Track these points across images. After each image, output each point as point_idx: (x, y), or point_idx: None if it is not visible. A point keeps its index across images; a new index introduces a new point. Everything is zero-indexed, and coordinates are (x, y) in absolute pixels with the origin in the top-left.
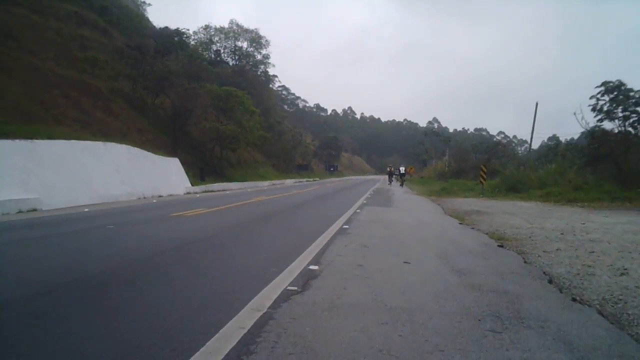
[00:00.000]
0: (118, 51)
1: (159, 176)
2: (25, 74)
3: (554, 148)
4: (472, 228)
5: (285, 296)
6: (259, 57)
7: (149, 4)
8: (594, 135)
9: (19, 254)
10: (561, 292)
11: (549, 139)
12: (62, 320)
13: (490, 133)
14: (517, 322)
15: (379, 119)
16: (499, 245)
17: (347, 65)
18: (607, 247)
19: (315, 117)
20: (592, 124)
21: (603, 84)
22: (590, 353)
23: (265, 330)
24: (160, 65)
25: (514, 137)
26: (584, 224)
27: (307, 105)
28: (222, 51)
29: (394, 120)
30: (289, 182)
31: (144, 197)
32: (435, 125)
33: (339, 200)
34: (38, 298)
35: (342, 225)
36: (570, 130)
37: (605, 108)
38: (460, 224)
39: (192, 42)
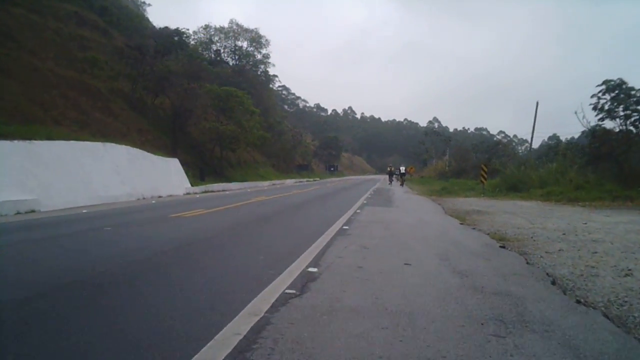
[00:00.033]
0: (118, 51)
1: (159, 177)
2: (25, 74)
3: (554, 147)
4: (473, 228)
5: (283, 300)
6: (259, 56)
7: (149, 4)
8: (595, 134)
9: (13, 257)
10: (565, 293)
11: (549, 138)
12: (52, 324)
13: (491, 132)
14: (521, 326)
15: (379, 118)
16: (500, 246)
17: (347, 65)
18: (610, 248)
19: (315, 117)
20: (593, 123)
21: (604, 82)
22: (597, 359)
23: (262, 336)
24: (160, 65)
25: (514, 136)
26: (585, 223)
27: (307, 105)
28: (222, 51)
29: (394, 120)
30: (289, 182)
31: (144, 198)
32: (436, 124)
33: (339, 201)
34: (32, 301)
35: (342, 226)
36: (571, 130)
37: (606, 107)
38: (461, 224)
39: (192, 42)
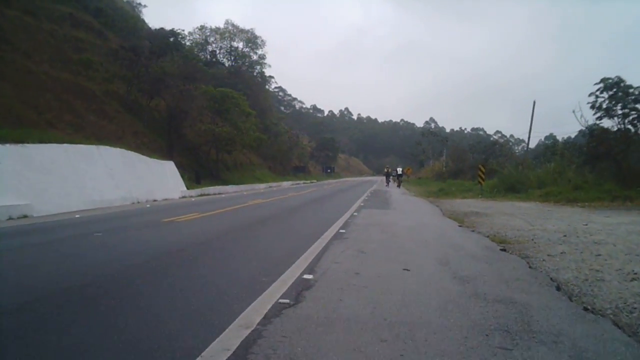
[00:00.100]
0: (113, 53)
1: (154, 180)
2: (18, 76)
3: (551, 147)
4: (473, 230)
5: (276, 310)
6: (254, 57)
7: (145, 6)
8: (593, 134)
9: None
10: (571, 300)
11: (546, 137)
12: (26, 338)
13: (487, 132)
14: (528, 336)
15: (375, 119)
16: (501, 249)
17: (344, 65)
18: (613, 250)
19: (311, 118)
20: (591, 122)
21: (602, 80)
22: None
23: (253, 351)
24: (155, 67)
25: (511, 136)
26: (586, 224)
27: (304, 106)
28: (217, 52)
29: (390, 120)
30: (285, 184)
31: (138, 202)
32: (432, 125)
33: (336, 203)
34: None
35: (339, 230)
36: (568, 129)
37: (604, 105)
38: (459, 226)
39: (188, 43)
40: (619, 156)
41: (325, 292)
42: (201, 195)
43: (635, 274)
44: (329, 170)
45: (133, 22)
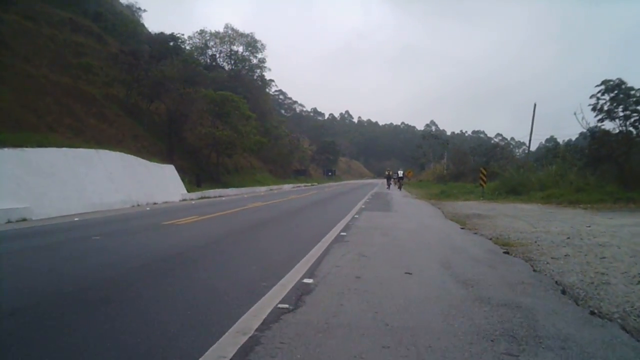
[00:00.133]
0: (112, 57)
1: (154, 183)
2: (18, 81)
3: (552, 149)
4: (475, 233)
5: (275, 316)
6: (254, 61)
7: (145, 10)
8: (594, 136)
9: None
10: (577, 304)
11: (547, 140)
12: (21, 342)
13: (488, 135)
14: (535, 342)
15: (376, 122)
16: (504, 252)
17: (344, 69)
18: (617, 252)
19: (312, 122)
20: (592, 124)
21: (603, 82)
22: None
23: (250, 358)
24: (155, 71)
25: (512, 139)
26: (589, 226)
27: (304, 109)
28: (217, 56)
29: (391, 123)
30: (286, 187)
31: (138, 205)
32: (433, 128)
33: (337, 206)
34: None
35: (340, 233)
36: (568, 132)
37: (605, 107)
38: (462, 228)
39: (187, 47)
40: (620, 158)
41: (326, 297)
42: (202, 198)
43: None
44: (329, 173)
45: (133, 26)
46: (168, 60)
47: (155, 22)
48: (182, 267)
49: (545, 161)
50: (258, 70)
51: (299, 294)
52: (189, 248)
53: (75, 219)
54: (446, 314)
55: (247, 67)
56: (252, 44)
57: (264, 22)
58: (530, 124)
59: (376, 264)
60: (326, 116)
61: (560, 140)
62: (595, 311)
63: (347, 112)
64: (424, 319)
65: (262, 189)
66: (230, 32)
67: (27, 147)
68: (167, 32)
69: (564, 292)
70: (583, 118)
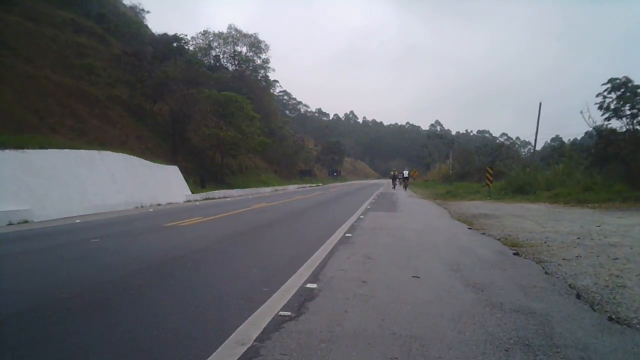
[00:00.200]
0: (115, 58)
1: (158, 184)
2: (19, 82)
3: (558, 149)
4: (483, 233)
5: (276, 324)
6: (258, 61)
7: (148, 12)
8: (601, 135)
9: None
10: (593, 309)
11: (552, 139)
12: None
13: (493, 135)
14: (552, 351)
15: (381, 122)
16: (514, 253)
17: (348, 69)
18: (630, 253)
19: (317, 122)
20: (599, 123)
21: (609, 81)
22: None
23: None
24: (158, 71)
25: (517, 138)
26: (599, 226)
27: (309, 110)
28: (221, 56)
29: (396, 123)
30: (291, 187)
31: (142, 206)
32: (438, 128)
33: (342, 206)
34: None
35: (345, 234)
36: (574, 131)
37: (612, 106)
38: (469, 229)
39: (191, 48)
40: (628, 157)
41: (330, 303)
42: (206, 199)
43: None
44: (335, 174)
45: (136, 27)
46: (171, 61)
47: (158, 23)
48: (181, 271)
49: (552, 160)
50: (262, 71)
51: (302, 300)
52: (189, 251)
53: (77, 221)
54: (457, 321)
55: (250, 68)
56: (256, 45)
57: (268, 23)
58: (536, 123)
59: (382, 266)
60: (331, 116)
61: (565, 140)
62: (613, 317)
63: (351, 112)
64: (434, 326)
65: (267, 190)
66: (233, 32)
67: (28, 148)
68: (171, 33)
69: (578, 296)
70: (590, 117)
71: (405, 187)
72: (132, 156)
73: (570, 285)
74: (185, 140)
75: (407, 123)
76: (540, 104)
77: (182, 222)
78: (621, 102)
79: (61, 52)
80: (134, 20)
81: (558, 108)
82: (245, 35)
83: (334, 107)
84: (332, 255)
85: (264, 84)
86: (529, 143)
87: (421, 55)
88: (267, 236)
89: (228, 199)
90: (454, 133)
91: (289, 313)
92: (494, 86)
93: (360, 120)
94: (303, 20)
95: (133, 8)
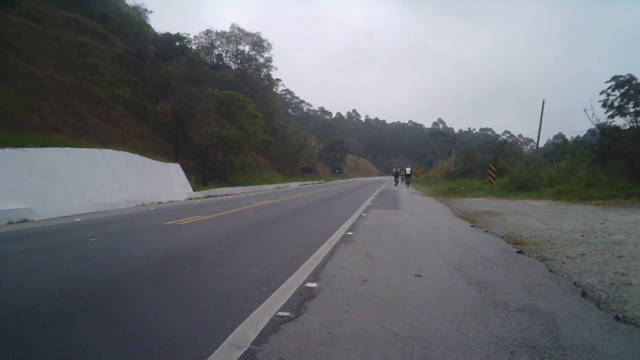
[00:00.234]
0: (118, 57)
1: (159, 182)
2: (22, 81)
3: (561, 146)
4: (486, 231)
5: (274, 325)
6: (261, 60)
7: (151, 12)
8: (604, 132)
9: None
10: (599, 308)
11: (555, 137)
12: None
13: (496, 132)
14: (559, 353)
15: (383, 121)
16: (517, 251)
17: (351, 68)
18: (635, 250)
19: (319, 121)
20: (602, 120)
21: (613, 78)
22: None
23: None
24: (161, 71)
25: (520, 135)
26: (602, 223)
27: (312, 108)
28: (223, 55)
29: (398, 121)
30: (293, 185)
31: (143, 204)
32: (441, 125)
33: (344, 203)
34: None
35: (346, 232)
36: (576, 128)
37: (616, 103)
38: (472, 226)
39: (194, 47)
40: (631, 154)
41: (330, 303)
42: (208, 197)
43: None
44: (337, 171)
45: (138, 27)
46: (174, 60)
47: (161, 23)
48: (178, 271)
49: (554, 157)
50: (265, 70)
51: (301, 299)
52: (186, 251)
53: (77, 220)
54: (460, 321)
55: (253, 67)
56: (259, 44)
57: (270, 22)
58: (539, 120)
59: (384, 265)
60: (333, 115)
61: (568, 137)
62: (620, 316)
63: (354, 110)
64: (437, 327)
65: (269, 187)
66: (236, 31)
67: (29, 147)
68: (174, 32)
69: (584, 294)
70: (593, 114)
71: (407, 184)
72: (133, 154)
73: (575, 284)
74: (187, 139)
75: (410, 121)
76: (544, 102)
77: (182, 221)
78: (625, 100)
79: (64, 52)
80: (136, 20)
81: (560, 106)
82: (248, 34)
83: (337, 105)
84: (333, 253)
85: (266, 82)
86: (531, 140)
87: (423, 54)
88: (268, 234)
89: (230, 197)
90: (456, 131)
91: (287, 313)
92: (496, 84)
93: (362, 118)
94: (305, 19)
95: (136, 8)
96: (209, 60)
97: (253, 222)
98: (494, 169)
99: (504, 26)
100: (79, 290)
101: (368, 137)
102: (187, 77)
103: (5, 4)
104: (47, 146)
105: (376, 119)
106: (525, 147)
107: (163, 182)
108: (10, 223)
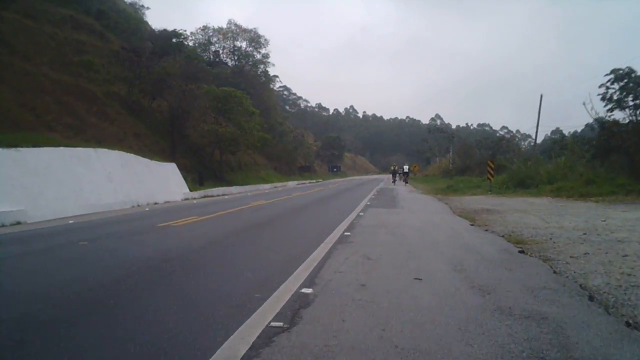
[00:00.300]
0: (114, 55)
1: (155, 182)
2: (16, 79)
3: (559, 141)
4: (486, 230)
5: (266, 337)
6: (258, 56)
7: (148, 8)
8: (603, 126)
9: None
10: (608, 312)
11: (553, 132)
12: None
13: (494, 128)
14: None
15: (381, 117)
16: (519, 251)
17: (348, 63)
18: (639, 249)
19: (317, 117)
20: (601, 114)
21: (612, 71)
22: None
23: None
24: (157, 67)
25: (517, 131)
26: (604, 221)
27: (309, 105)
28: (220, 52)
29: (396, 118)
30: (291, 184)
31: (138, 205)
32: (438, 121)
33: (341, 202)
34: None
35: (343, 232)
36: (574, 123)
37: (615, 97)
38: (471, 225)
39: (190, 44)
40: (631, 149)
41: (326, 311)
42: (204, 197)
43: None
44: (335, 169)
45: (135, 24)
46: (170, 56)
47: (158, 19)
48: (167, 278)
49: (553, 153)
50: (262, 66)
51: (296, 307)
52: (179, 254)
53: (70, 222)
54: (464, 330)
55: (250, 63)
56: (256, 39)
57: (267, 18)
58: (537, 115)
59: (382, 268)
60: (331, 111)
61: (566, 132)
62: (631, 322)
63: (351, 107)
64: (439, 337)
65: (266, 187)
66: (233, 27)
67: (22, 146)
68: (170, 29)
69: (591, 298)
70: (592, 108)
71: (405, 181)
72: (129, 154)
73: (581, 286)
74: (184, 137)
75: (407, 117)
76: (542, 96)
77: (176, 222)
78: (624, 93)
79: (60, 49)
80: (133, 17)
81: (557, 101)
82: (245, 30)
83: (334, 101)
84: (330, 255)
85: (263, 79)
86: (529, 136)
87: (421, 48)
88: (264, 236)
89: (226, 197)
90: (454, 127)
91: (281, 323)
92: (493, 79)
93: (360, 114)
94: (302, 14)
95: (133, 4)
96: (205, 56)
97: (249, 223)
98: (492, 165)
99: (502, 20)
100: (61, 299)
101: (366, 133)
102: (184, 74)
103: (1, 1)
104: (42, 145)
105: (374, 115)
106: (523, 143)
107: (159, 182)
108: (3, 226)
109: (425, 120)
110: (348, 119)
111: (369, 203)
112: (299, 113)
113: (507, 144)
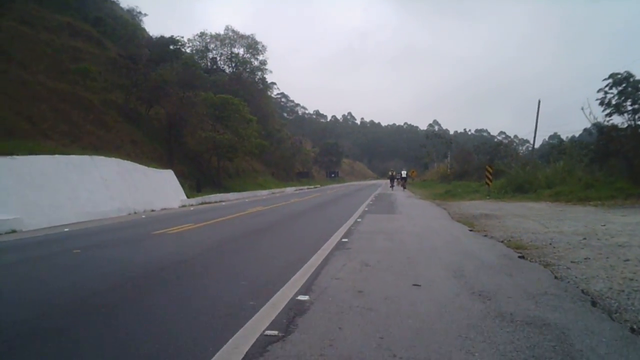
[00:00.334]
0: (111, 62)
1: (152, 189)
2: (12, 87)
3: (557, 146)
4: (485, 235)
5: (261, 346)
6: (255, 63)
7: (145, 14)
8: (602, 131)
9: None
10: (612, 319)
11: (550, 137)
12: None
13: (491, 133)
14: None
15: (379, 123)
16: (519, 256)
17: (346, 70)
18: None
19: (315, 124)
20: (600, 119)
21: (611, 76)
22: None
23: None
24: (154, 75)
25: (515, 136)
26: (604, 225)
27: (307, 112)
28: (218, 58)
29: (394, 124)
30: (289, 190)
31: (135, 213)
32: (436, 127)
33: (339, 208)
34: None
35: (341, 239)
36: (571, 128)
37: (613, 101)
38: (470, 230)
39: (188, 50)
40: (630, 153)
41: (322, 319)
42: (202, 203)
43: None
44: (332, 175)
45: (132, 30)
46: (168, 64)
47: (156, 26)
48: (160, 287)
49: (551, 158)
50: (259, 73)
51: (292, 315)
52: (173, 262)
53: (65, 230)
54: (464, 338)
55: (248, 70)
56: (253, 46)
57: (265, 24)
58: (535, 120)
59: (380, 274)
60: (329, 118)
61: (564, 137)
62: (635, 327)
63: (349, 113)
64: (439, 345)
65: (264, 193)
66: (230, 33)
67: (17, 154)
68: (168, 35)
69: (594, 303)
70: (590, 113)
71: (403, 187)
72: (125, 161)
73: (583, 291)
74: (181, 144)
75: (405, 123)
76: (539, 102)
77: (172, 230)
78: (623, 98)
79: (56, 57)
80: (130, 23)
81: (556, 105)
82: (242, 37)
83: (332, 108)
84: (327, 262)
85: (261, 86)
86: (527, 141)
87: (419, 54)
88: (260, 242)
89: (224, 203)
90: (452, 132)
91: (276, 332)
92: (491, 85)
93: (358, 121)
94: (300, 21)
95: (130, 11)
96: (203, 63)
97: (246, 230)
98: (490, 170)
99: (499, 26)
100: (48, 309)
101: (363, 140)
102: (181, 81)
103: None
104: (37, 153)
105: (372, 122)
106: (521, 148)
107: (156, 189)
108: None
109: (423, 126)
110: (346, 126)
111: (367, 209)
112: (296, 120)
113: (505, 149)
